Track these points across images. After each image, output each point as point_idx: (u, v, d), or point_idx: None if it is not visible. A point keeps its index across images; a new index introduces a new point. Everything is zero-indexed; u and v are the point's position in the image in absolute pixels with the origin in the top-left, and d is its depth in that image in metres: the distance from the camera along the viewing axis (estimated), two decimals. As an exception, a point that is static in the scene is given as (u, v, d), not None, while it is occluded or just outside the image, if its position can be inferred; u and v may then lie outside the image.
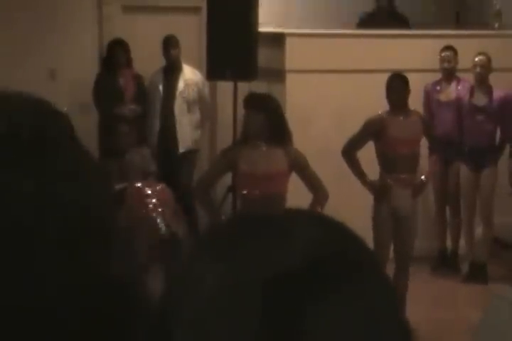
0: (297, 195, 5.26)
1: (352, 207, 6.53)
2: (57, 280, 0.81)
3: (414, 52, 7.53)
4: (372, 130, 5.97)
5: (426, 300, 6.84)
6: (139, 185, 5.32)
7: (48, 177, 0.83)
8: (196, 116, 7.79)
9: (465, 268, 7.35)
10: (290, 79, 7.31)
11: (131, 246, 4.80)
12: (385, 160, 6.01)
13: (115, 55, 7.57)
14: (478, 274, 7.17)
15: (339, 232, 0.74)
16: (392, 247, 6.01)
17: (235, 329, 0.67)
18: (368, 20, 8.31)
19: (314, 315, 0.67)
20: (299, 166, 5.44)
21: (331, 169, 6.24)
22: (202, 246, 0.75)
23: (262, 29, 6.99)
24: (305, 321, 0.67)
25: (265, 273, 0.68)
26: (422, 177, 6.12)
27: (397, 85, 6.03)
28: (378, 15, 8.33)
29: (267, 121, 5.30)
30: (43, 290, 0.81)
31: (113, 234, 0.87)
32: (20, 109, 0.86)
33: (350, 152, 5.96)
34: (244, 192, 5.41)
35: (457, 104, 7.22)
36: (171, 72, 7.70)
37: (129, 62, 7.67)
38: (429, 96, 7.42)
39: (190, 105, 7.72)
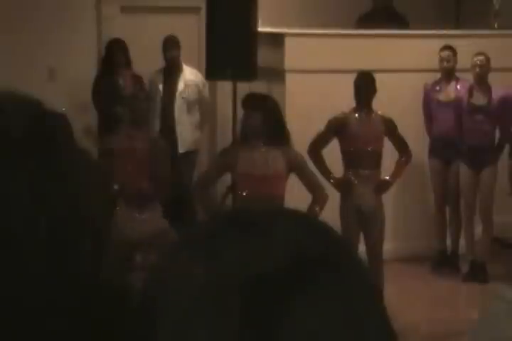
0: (296, 196, 5.28)
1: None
2: (45, 280, 0.81)
3: (414, 52, 7.55)
4: (335, 128, 6.13)
5: (426, 299, 6.88)
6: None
7: (40, 177, 0.83)
8: (196, 116, 7.81)
9: (465, 267, 7.35)
10: (290, 79, 7.33)
11: (118, 247, 4.83)
12: (348, 157, 6.17)
13: (114, 55, 7.59)
14: (478, 273, 7.18)
15: (322, 233, 0.74)
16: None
17: (214, 329, 0.67)
18: (367, 20, 8.32)
19: (294, 315, 0.67)
20: (298, 167, 5.46)
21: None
22: (183, 245, 0.75)
23: (261, 29, 7.00)
24: (284, 321, 0.67)
25: (246, 273, 0.68)
26: (387, 177, 6.24)
27: (363, 84, 6.19)
28: (377, 15, 8.34)
29: (266, 121, 5.32)
30: (31, 288, 0.80)
31: (102, 235, 0.86)
32: (15, 109, 0.86)
33: (315, 150, 6.09)
34: (243, 192, 5.42)
35: (456, 103, 7.24)
36: (171, 72, 7.72)
37: (127, 62, 7.68)
38: (428, 96, 7.45)
39: (190, 106, 7.73)
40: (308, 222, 0.75)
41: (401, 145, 6.35)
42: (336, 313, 0.69)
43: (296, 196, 5.28)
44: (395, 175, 6.31)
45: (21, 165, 0.83)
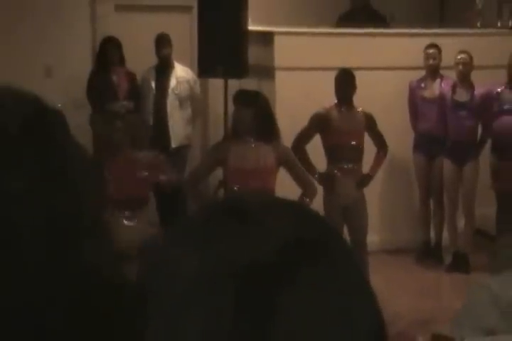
0: (286, 190, 5.34)
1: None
2: (45, 272, 0.79)
3: (400, 50, 7.60)
4: (318, 124, 6.25)
5: (411, 289, 6.92)
6: None
7: (37, 173, 0.81)
8: (188, 112, 7.85)
9: (448, 258, 7.42)
10: (279, 76, 7.38)
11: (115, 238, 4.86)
12: (331, 151, 6.28)
13: (108, 53, 7.59)
14: (460, 264, 7.27)
15: (313, 221, 0.74)
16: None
17: (208, 318, 0.67)
18: (346, 20, 8.36)
19: (286, 302, 0.67)
20: (287, 161, 5.53)
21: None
22: (176, 236, 0.75)
23: (251, 28, 7.05)
24: (277, 308, 0.67)
25: (238, 261, 0.68)
26: (369, 172, 6.39)
27: (344, 80, 6.30)
28: (356, 15, 8.38)
29: (256, 117, 5.38)
30: (30, 281, 0.79)
31: (101, 228, 0.86)
32: (13, 105, 0.85)
33: (299, 146, 6.17)
34: (234, 186, 5.48)
35: (440, 100, 7.31)
36: (163, 69, 7.75)
37: (121, 60, 7.69)
38: (413, 93, 7.51)
39: (182, 101, 7.78)
40: (299, 210, 0.75)
41: (379, 141, 6.48)
42: (327, 300, 0.69)
43: (286, 190, 5.34)
44: (374, 169, 6.45)
45: (20, 160, 0.81)
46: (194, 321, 0.68)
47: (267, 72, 7.39)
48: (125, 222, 5.57)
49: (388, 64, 7.60)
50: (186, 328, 0.68)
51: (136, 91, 7.76)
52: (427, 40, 7.49)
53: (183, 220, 0.76)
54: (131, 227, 5.53)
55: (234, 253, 0.69)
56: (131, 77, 7.78)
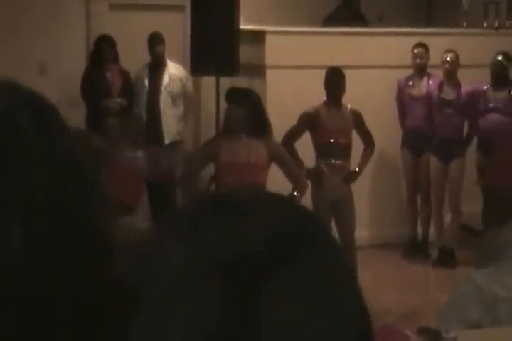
0: (277, 185, 5.35)
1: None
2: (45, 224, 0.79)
3: (388, 48, 7.67)
4: (307, 123, 6.34)
5: (398, 283, 6.98)
6: None
7: (45, 150, 0.81)
8: (180, 109, 7.86)
9: (434, 253, 7.49)
10: (270, 74, 7.43)
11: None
12: (320, 147, 6.38)
13: (102, 51, 7.60)
14: (446, 259, 7.34)
15: (298, 213, 0.75)
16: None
17: (196, 309, 0.67)
18: (332, 19, 8.40)
19: (272, 292, 0.68)
20: (278, 157, 5.59)
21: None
22: (165, 226, 0.75)
23: (242, 27, 7.12)
24: (263, 298, 0.67)
25: (226, 253, 0.69)
26: (356, 168, 6.47)
27: (333, 79, 6.39)
28: (341, 15, 8.43)
29: (248, 114, 5.43)
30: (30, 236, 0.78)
31: (99, 185, 0.86)
32: (16, 99, 0.84)
33: (288, 143, 6.24)
34: (226, 181, 5.52)
35: (428, 98, 7.37)
36: (156, 67, 7.77)
37: (115, 58, 7.70)
38: (401, 91, 7.58)
39: (174, 99, 7.78)
40: (285, 202, 0.76)
41: (367, 138, 6.55)
42: (312, 290, 0.69)
43: (277, 185, 5.28)
44: (361, 165, 6.53)
45: (27, 143, 0.80)
46: (181, 312, 0.68)
47: (258, 70, 7.44)
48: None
49: (377, 62, 7.65)
50: (173, 318, 0.68)
51: (129, 89, 7.77)
52: (415, 40, 7.56)
53: (172, 212, 0.77)
54: (124, 223, 5.59)
55: (221, 245, 0.69)
56: (124, 74, 7.80)
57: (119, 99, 7.70)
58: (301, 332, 0.68)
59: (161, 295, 0.70)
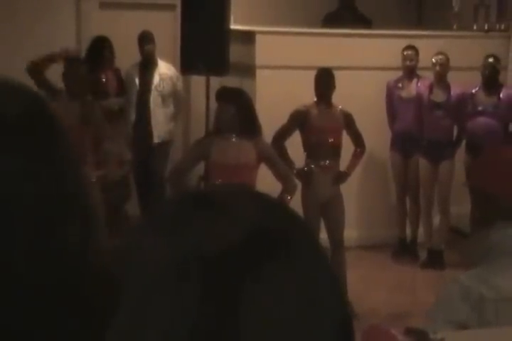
0: (267, 186, 5.40)
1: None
2: (30, 254, 0.79)
3: (378, 50, 7.68)
4: (297, 120, 6.35)
5: (386, 284, 7.00)
6: None
7: (30, 157, 0.81)
8: (170, 108, 7.89)
9: (423, 255, 7.52)
10: (260, 74, 7.45)
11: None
12: (310, 147, 6.38)
13: (102, 53, 7.57)
14: (435, 261, 7.36)
15: (279, 211, 0.76)
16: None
17: (175, 304, 0.68)
18: (331, 20, 8.43)
19: (251, 290, 0.68)
20: (268, 158, 5.58)
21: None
22: (146, 222, 0.76)
23: (233, 27, 7.11)
24: (242, 295, 0.68)
25: (205, 249, 0.69)
26: (346, 169, 6.48)
27: (323, 79, 6.40)
28: (341, 15, 8.45)
29: (238, 113, 5.42)
30: (14, 258, 0.78)
31: (89, 211, 0.86)
32: (11, 96, 0.85)
33: (278, 142, 6.26)
34: (215, 181, 5.51)
35: (417, 100, 7.38)
36: (147, 66, 7.79)
37: (112, 59, 7.70)
38: (391, 93, 7.60)
39: (164, 98, 7.82)
40: (265, 200, 0.76)
41: (357, 139, 6.55)
42: (291, 288, 0.70)
43: (267, 186, 5.41)
44: (351, 166, 6.52)
45: (15, 147, 0.81)
46: (160, 308, 0.69)
47: (248, 70, 7.45)
48: None
49: (367, 64, 7.67)
50: (152, 314, 0.69)
51: (123, 88, 7.78)
52: (405, 42, 7.58)
53: (154, 209, 0.78)
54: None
55: (200, 242, 0.70)
56: (118, 73, 7.81)
57: (116, 99, 7.69)
58: (279, 331, 0.68)
59: (140, 291, 0.70)
